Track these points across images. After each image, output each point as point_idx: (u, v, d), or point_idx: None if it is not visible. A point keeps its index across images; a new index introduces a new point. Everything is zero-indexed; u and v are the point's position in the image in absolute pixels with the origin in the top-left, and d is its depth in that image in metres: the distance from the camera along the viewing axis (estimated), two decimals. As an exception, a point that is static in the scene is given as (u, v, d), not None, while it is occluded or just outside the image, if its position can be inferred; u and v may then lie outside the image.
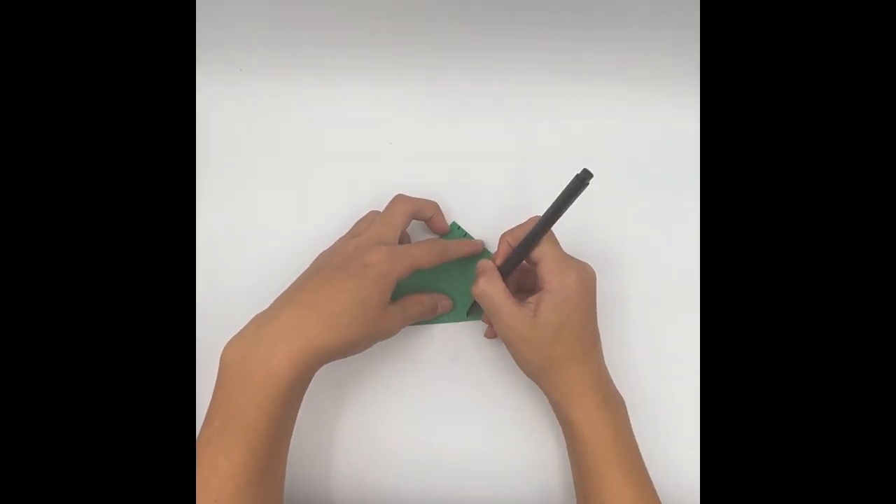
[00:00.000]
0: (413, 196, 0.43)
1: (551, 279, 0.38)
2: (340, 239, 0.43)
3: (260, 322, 0.36)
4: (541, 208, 0.48)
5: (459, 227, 0.47)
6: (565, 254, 0.39)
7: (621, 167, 0.49)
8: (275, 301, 0.38)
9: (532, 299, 0.38)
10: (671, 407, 0.44)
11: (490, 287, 0.38)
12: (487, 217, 0.47)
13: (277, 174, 0.48)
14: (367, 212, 0.45)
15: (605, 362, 0.41)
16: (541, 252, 0.39)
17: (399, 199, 0.43)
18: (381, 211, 0.43)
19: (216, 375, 0.35)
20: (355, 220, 0.45)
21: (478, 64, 0.49)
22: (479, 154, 0.49)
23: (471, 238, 0.46)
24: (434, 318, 0.44)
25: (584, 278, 0.38)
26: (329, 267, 0.38)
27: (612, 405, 0.39)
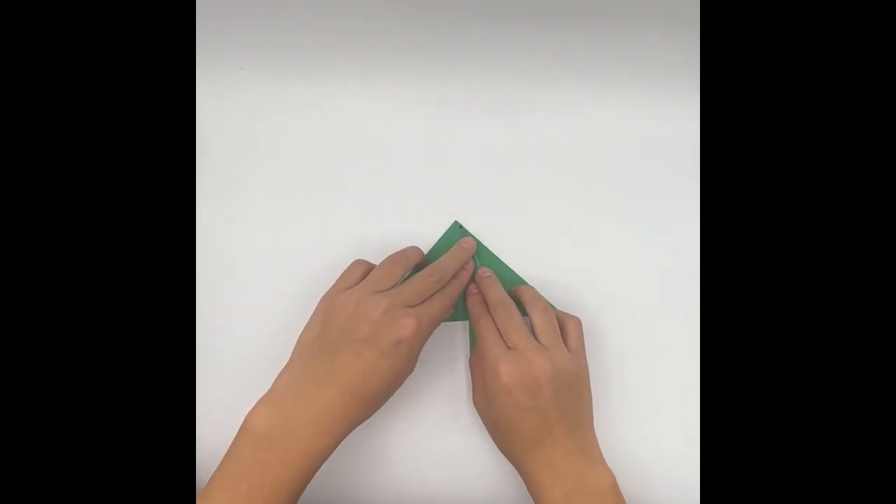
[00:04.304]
0: (399, 251, 0.42)
1: (486, 373, 0.39)
2: (346, 291, 0.39)
3: (297, 398, 0.35)
4: (540, 208, 0.48)
5: (462, 227, 0.47)
6: (499, 345, 0.39)
7: (621, 167, 0.49)
8: (299, 370, 0.37)
9: None
10: (671, 407, 0.45)
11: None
12: (488, 217, 0.47)
13: (278, 174, 0.48)
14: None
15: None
16: (479, 338, 0.40)
17: (393, 261, 0.41)
18: (365, 260, 0.42)
19: (240, 438, 0.35)
20: (355, 220, 0.45)
21: (478, 64, 0.49)
22: (479, 154, 0.49)
23: (470, 235, 0.46)
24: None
25: (521, 375, 0.37)
26: (359, 340, 0.36)
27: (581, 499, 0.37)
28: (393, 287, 0.39)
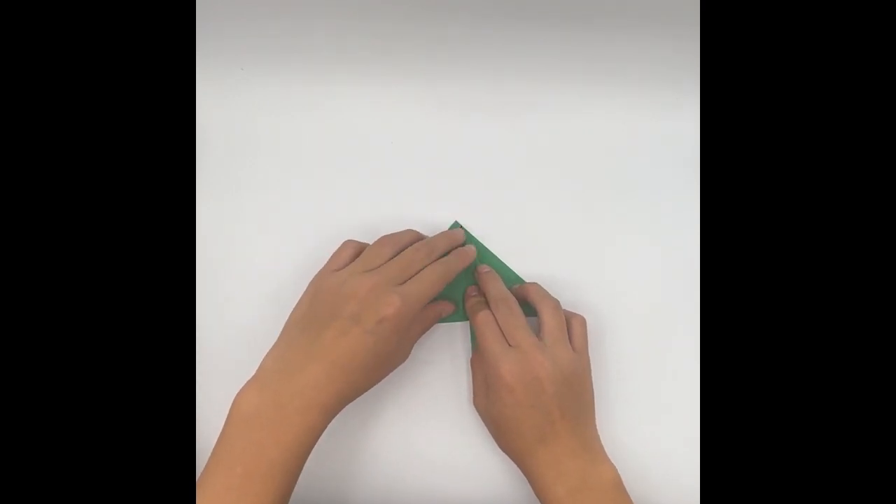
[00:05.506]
0: (394, 233, 0.42)
1: (488, 372, 0.39)
2: (336, 272, 0.40)
3: (283, 375, 0.36)
4: (540, 208, 0.48)
5: (461, 227, 0.47)
6: (500, 344, 0.39)
7: (621, 167, 0.49)
8: (285, 348, 0.37)
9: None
10: (671, 407, 0.44)
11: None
12: (488, 217, 0.47)
13: (278, 174, 0.48)
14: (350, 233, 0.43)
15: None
16: (480, 337, 0.40)
17: (384, 242, 0.41)
18: (356, 241, 0.42)
19: (230, 422, 0.35)
20: (355, 220, 0.45)
21: (478, 64, 0.49)
22: (479, 154, 0.49)
23: (470, 235, 0.46)
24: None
25: (522, 374, 0.37)
26: (345, 318, 0.36)
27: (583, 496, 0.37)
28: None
